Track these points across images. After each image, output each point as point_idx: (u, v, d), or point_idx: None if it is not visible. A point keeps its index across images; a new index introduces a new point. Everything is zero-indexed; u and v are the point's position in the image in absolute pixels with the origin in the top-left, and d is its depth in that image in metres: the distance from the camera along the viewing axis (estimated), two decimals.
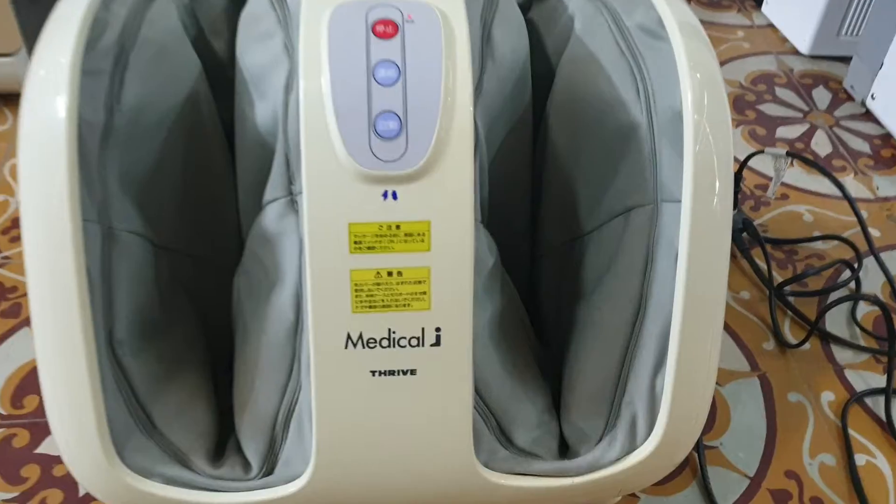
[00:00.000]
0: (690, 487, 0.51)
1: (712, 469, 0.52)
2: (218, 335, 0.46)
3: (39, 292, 0.36)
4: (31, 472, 0.50)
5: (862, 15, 0.93)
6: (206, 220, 0.46)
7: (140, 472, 0.38)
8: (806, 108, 0.89)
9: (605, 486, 0.41)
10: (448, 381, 0.38)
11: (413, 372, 0.38)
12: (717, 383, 0.55)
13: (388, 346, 0.38)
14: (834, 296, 0.65)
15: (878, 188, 0.78)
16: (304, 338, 0.38)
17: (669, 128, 0.39)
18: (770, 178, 0.77)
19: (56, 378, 0.37)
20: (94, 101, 0.37)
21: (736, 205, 0.68)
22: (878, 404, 0.57)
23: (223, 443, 0.42)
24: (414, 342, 0.38)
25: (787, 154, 0.64)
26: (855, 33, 0.95)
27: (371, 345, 0.37)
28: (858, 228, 0.71)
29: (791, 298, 0.64)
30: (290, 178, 0.40)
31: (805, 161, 0.65)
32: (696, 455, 0.52)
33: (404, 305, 0.37)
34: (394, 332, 0.37)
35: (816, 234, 0.71)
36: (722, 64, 0.95)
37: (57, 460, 0.50)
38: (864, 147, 0.84)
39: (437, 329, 0.38)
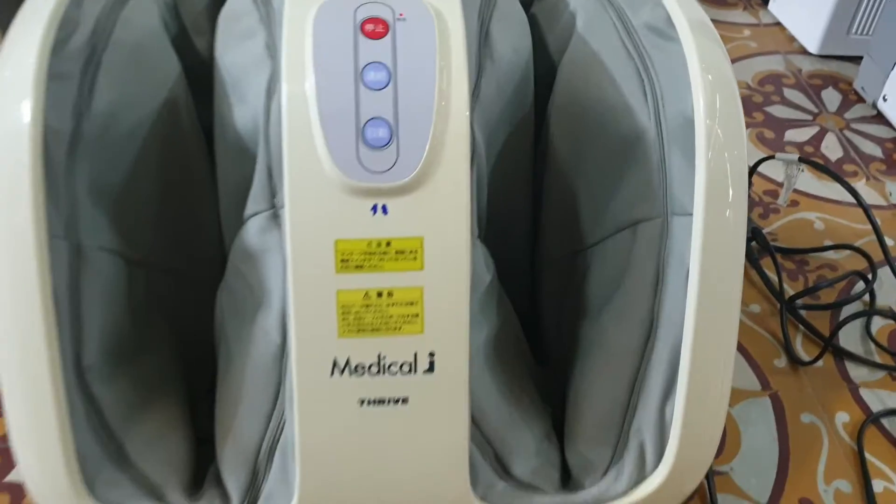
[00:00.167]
0: None
1: (722, 497, 0.49)
2: (198, 356, 0.43)
3: (1, 315, 0.34)
4: (1, 502, 0.47)
5: (873, 13, 0.90)
6: (186, 233, 0.43)
7: None
8: (815, 110, 0.86)
9: None
10: (443, 410, 0.36)
11: (405, 401, 0.35)
12: None
13: (378, 372, 0.35)
14: (847, 309, 0.62)
15: (891, 194, 0.75)
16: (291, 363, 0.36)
17: (680, 135, 0.36)
18: (779, 184, 0.74)
19: (20, 408, 0.35)
20: (61, 107, 0.34)
21: None
22: (895, 425, 0.54)
23: (202, 474, 0.40)
24: (406, 368, 0.35)
25: (800, 160, 0.62)
26: (866, 32, 0.92)
27: (359, 372, 0.35)
28: (871, 237, 0.68)
29: (803, 312, 0.62)
30: (273, 191, 0.37)
31: (818, 167, 0.62)
32: (705, 482, 0.49)
33: (395, 329, 0.35)
34: (384, 358, 0.35)
35: (828, 243, 0.68)
36: None
37: None
38: (875, 151, 0.81)
39: (431, 354, 0.35)
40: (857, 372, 0.58)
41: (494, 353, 0.40)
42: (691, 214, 0.36)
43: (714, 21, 1.01)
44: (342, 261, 0.34)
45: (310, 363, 0.35)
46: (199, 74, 0.43)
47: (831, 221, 0.71)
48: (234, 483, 0.37)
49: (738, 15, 1.04)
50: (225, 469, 0.38)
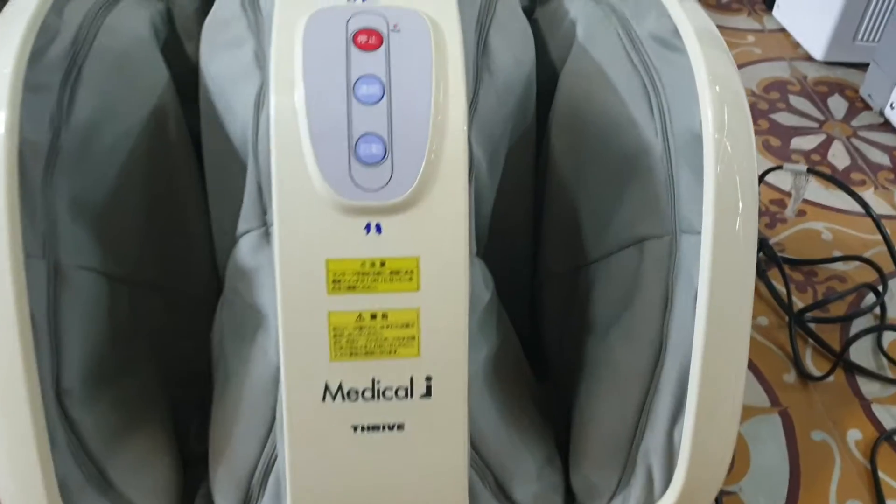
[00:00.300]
0: None
1: None
2: (184, 374, 0.42)
3: None
4: None
5: (880, 19, 0.89)
6: (173, 248, 0.41)
7: None
8: (822, 118, 0.85)
9: None
10: (440, 435, 0.34)
11: (401, 427, 0.34)
12: None
13: (372, 397, 0.33)
14: (858, 322, 0.60)
15: None
16: None
17: (688, 152, 0.35)
18: (786, 192, 0.73)
19: None
20: (38, 119, 0.33)
21: None
22: None
23: (191, 495, 0.38)
24: (401, 393, 0.33)
25: (808, 171, 0.60)
26: (873, 38, 0.91)
27: (353, 397, 0.33)
28: (880, 247, 0.67)
29: (812, 325, 0.60)
30: (264, 208, 0.36)
31: (826, 178, 0.60)
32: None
33: (390, 352, 0.33)
34: (378, 382, 0.33)
35: (836, 253, 0.67)
36: None
37: None
38: (883, 159, 0.79)
39: (428, 378, 0.34)
40: (869, 387, 0.56)
41: (494, 372, 0.38)
42: (699, 233, 0.35)
43: (717, 27, 1.00)
44: (334, 281, 0.32)
45: (301, 388, 0.33)
46: (192, 81, 0.41)
47: (839, 231, 0.70)
48: None
49: (741, 21, 1.03)
50: (217, 490, 0.37)
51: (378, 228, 0.32)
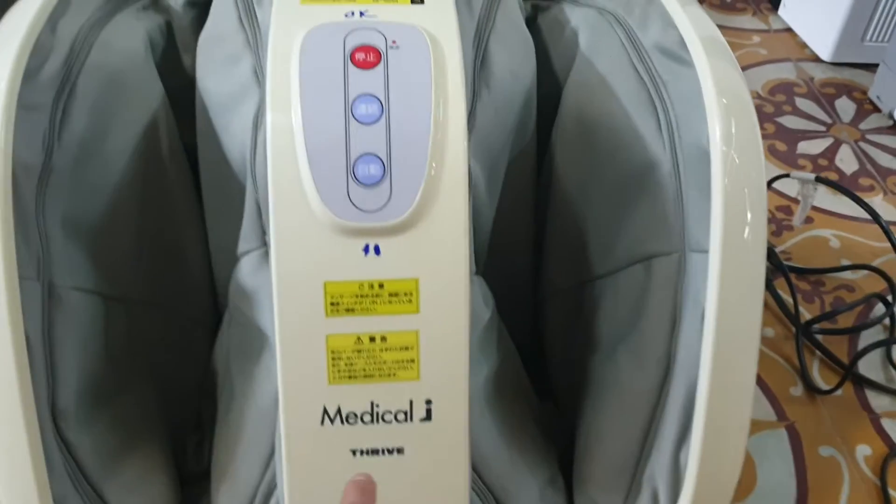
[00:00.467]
0: None
1: None
2: (182, 392, 0.41)
3: None
4: None
5: (890, 18, 0.87)
6: (169, 266, 0.41)
7: None
8: (829, 121, 0.84)
9: None
10: (441, 460, 0.34)
11: (400, 451, 0.33)
12: None
13: (371, 421, 0.33)
14: (867, 334, 0.59)
15: None
16: None
17: (697, 167, 0.34)
18: (792, 199, 0.72)
19: None
20: (31, 139, 0.32)
21: None
22: None
23: None
24: (401, 417, 0.33)
25: (817, 179, 0.59)
26: (881, 39, 0.89)
27: (351, 420, 0.33)
28: (889, 255, 0.66)
29: (819, 337, 0.59)
30: (264, 228, 0.35)
31: (834, 186, 0.59)
32: None
33: (389, 375, 0.32)
34: (377, 406, 0.33)
35: (845, 262, 0.66)
36: None
37: None
38: (892, 164, 0.78)
39: (428, 402, 0.33)
40: (878, 401, 0.55)
41: (495, 392, 0.38)
42: (707, 252, 0.34)
43: (721, 27, 0.98)
44: (332, 304, 0.31)
45: (298, 411, 0.32)
46: (190, 95, 0.41)
47: (847, 239, 0.69)
48: None
49: (746, 20, 1.01)
50: None
51: (377, 250, 0.31)
